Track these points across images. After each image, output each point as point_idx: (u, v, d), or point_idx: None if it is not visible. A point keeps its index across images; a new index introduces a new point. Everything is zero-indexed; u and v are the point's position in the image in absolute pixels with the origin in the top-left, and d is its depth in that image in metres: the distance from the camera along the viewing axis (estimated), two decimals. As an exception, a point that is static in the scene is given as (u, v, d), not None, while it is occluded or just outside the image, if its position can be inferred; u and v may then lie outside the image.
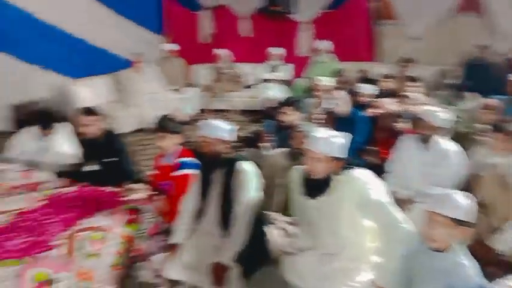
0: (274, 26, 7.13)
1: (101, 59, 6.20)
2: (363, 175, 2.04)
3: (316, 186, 2.09)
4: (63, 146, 3.63)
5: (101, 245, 2.20)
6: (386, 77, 5.15)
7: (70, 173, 3.17)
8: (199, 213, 2.39)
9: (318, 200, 2.08)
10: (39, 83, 5.45)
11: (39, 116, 3.68)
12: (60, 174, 3.14)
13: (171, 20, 7.36)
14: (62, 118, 3.87)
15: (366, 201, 1.96)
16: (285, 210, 2.67)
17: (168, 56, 6.43)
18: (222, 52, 6.56)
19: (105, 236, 2.25)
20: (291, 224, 2.52)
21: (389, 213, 1.93)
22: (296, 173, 2.23)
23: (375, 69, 6.16)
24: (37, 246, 2.08)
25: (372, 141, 3.82)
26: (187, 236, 2.35)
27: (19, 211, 2.44)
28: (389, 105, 4.01)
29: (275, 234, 2.44)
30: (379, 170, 2.63)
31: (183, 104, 5.97)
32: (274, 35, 7.07)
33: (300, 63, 6.67)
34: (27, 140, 3.68)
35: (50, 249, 2.07)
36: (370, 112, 4.08)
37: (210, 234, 2.32)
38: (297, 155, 2.75)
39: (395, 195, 2.67)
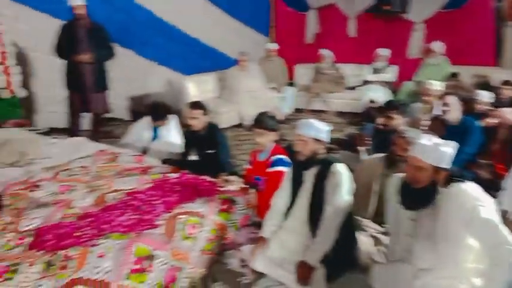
0: (383, 26, 6.81)
1: (211, 57, 6.61)
2: (472, 189, 1.84)
3: (415, 197, 1.95)
4: (172, 136, 3.96)
5: (196, 229, 2.34)
6: (507, 83, 4.57)
7: (175, 161, 3.44)
8: (289, 211, 2.40)
9: (417, 212, 1.95)
10: (155, 78, 6.02)
11: (153, 108, 4.06)
12: (166, 161, 3.43)
13: (278, 20, 7.51)
14: (172, 111, 4.22)
15: (474, 218, 1.77)
16: (378, 218, 2.55)
17: (269, 55, 6.56)
18: (325, 52, 6.49)
19: (201, 222, 2.40)
20: (383, 233, 2.39)
21: (499, 234, 1.72)
22: (394, 181, 2.11)
23: (495, 75, 5.50)
24: (142, 223, 2.28)
25: (486, 153, 3.43)
26: (275, 231, 2.38)
27: (129, 191, 2.68)
28: (510, 115, 3.55)
29: (365, 242, 2.34)
30: (491, 186, 2.35)
31: (281, 102, 6.05)
32: (382, 36, 6.74)
33: (409, 65, 6.27)
34: (141, 129, 4.09)
35: (153, 227, 2.26)
36: (487, 122, 3.67)
37: (298, 233, 2.32)
38: (396, 162, 2.60)
39: (508, 216, 2.38)
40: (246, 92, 5.74)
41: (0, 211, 2.42)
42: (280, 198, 2.45)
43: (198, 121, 3.39)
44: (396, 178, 2.11)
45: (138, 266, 1.96)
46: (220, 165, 3.27)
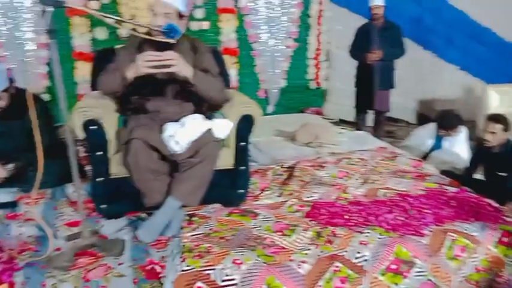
0: None
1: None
2: None
3: None
4: (459, 148, 3.66)
5: (466, 253, 2.12)
6: None
7: (456, 175, 3.18)
8: None
9: None
10: (450, 83, 5.61)
11: (442, 116, 3.84)
12: (446, 173, 3.21)
13: None
14: (463, 121, 3.87)
15: None
16: None
17: None
18: None
19: (471, 247, 2.15)
20: None
21: None
22: None
23: None
24: (407, 227, 2.24)
25: None
26: None
27: (401, 192, 2.67)
28: None
29: None
30: None
31: None
32: None
33: None
34: (425, 135, 3.97)
35: (418, 235, 2.18)
36: None
37: None
38: None
39: None
40: None
41: (290, 179, 2.91)
42: None
43: (495, 137, 3.05)
44: None
45: (395, 266, 1.96)
46: (510, 191, 2.81)
